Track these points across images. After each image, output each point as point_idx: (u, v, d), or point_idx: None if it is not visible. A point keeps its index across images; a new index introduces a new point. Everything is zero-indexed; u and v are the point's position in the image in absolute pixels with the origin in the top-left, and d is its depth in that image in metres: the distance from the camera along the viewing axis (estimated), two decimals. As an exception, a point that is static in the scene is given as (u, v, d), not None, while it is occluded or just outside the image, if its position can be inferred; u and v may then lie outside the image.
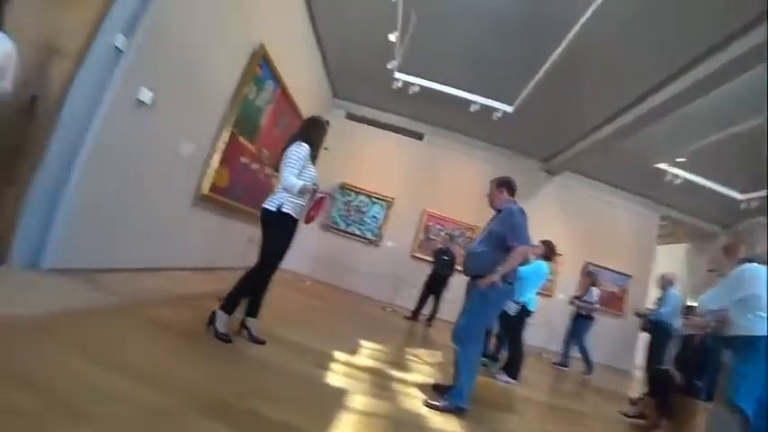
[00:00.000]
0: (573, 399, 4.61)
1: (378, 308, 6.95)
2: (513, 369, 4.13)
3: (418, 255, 8.27)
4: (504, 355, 4.51)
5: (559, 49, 5.12)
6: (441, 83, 6.96)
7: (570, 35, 4.83)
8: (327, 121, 3.07)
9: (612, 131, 6.41)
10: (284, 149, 2.76)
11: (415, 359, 3.92)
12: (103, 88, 2.82)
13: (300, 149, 2.70)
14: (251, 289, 2.71)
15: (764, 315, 1.67)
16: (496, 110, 6.96)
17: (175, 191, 4.05)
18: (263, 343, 2.73)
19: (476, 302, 2.79)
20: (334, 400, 2.21)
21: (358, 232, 8.41)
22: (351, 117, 8.72)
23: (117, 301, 2.72)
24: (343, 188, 8.50)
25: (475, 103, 6.96)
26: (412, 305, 6.96)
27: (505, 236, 2.72)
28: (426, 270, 7.01)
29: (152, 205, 3.69)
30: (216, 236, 5.06)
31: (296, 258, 7.92)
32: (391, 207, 8.48)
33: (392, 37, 5.65)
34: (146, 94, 3.12)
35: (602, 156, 7.53)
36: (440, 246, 7.09)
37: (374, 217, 8.47)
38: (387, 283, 7.62)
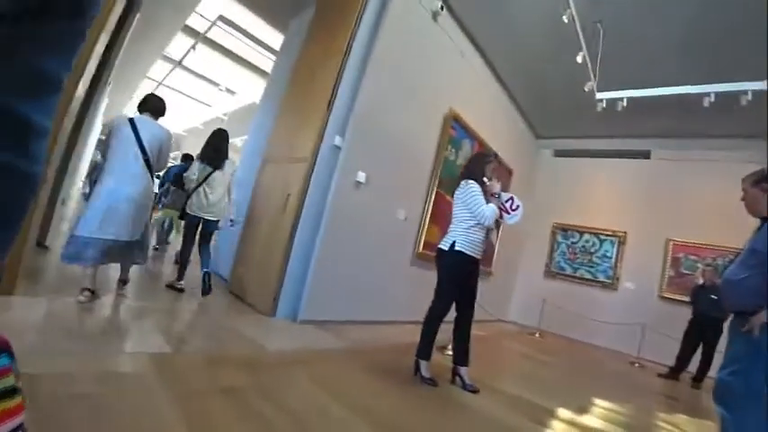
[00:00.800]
0: None
1: (621, 362, 5.89)
2: None
3: (668, 295, 6.74)
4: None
5: None
6: (653, 86, 5.90)
7: None
8: (495, 154, 3.21)
9: None
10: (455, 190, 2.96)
11: (665, 425, 3.16)
12: (330, 177, 3.72)
13: (472, 187, 2.84)
14: (429, 328, 2.80)
15: None
16: (744, 92, 5.32)
17: (396, 252, 4.72)
18: (476, 392, 2.76)
19: (743, 348, 2.08)
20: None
21: (588, 276, 7.53)
22: (559, 154, 8.27)
23: (347, 346, 3.33)
24: (566, 230, 7.93)
25: (707, 94, 5.53)
26: (666, 360, 5.62)
27: None
28: (684, 314, 5.62)
29: (378, 266, 4.42)
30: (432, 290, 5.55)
31: (521, 309, 7.89)
32: (624, 242, 7.33)
33: (579, 58, 5.28)
34: (361, 176, 3.93)
35: None
36: (700, 281, 5.61)
37: (605, 256, 7.47)
38: (630, 332, 6.40)
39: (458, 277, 2.81)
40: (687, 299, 5.89)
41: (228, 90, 10.78)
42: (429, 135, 4.97)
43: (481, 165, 3.02)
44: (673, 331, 5.96)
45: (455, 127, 5.30)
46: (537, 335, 6.62)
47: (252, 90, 10.01)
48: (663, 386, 4.90)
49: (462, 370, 2.84)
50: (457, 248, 2.75)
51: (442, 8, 4.71)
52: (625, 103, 5.97)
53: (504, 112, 6.88)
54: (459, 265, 2.79)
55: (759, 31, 4.48)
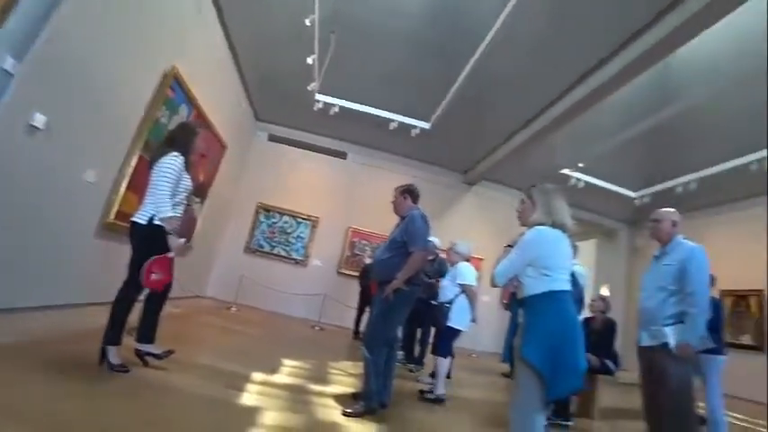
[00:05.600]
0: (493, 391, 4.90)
1: (306, 327, 6.92)
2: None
3: (345, 271, 8.42)
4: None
5: (468, 67, 5.65)
6: (360, 103, 7.28)
7: (477, 54, 5.38)
8: (201, 125, 3.05)
9: (522, 142, 7.11)
10: (154, 159, 2.66)
11: (337, 372, 3.99)
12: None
13: (175, 162, 2.61)
14: (120, 309, 2.46)
15: (548, 274, 1.88)
16: (414, 127, 7.40)
17: (79, 221, 3.82)
18: (172, 352, 2.68)
19: (381, 308, 2.92)
20: (244, 419, 2.22)
21: (284, 253, 8.37)
22: (273, 139, 8.75)
23: (13, 341, 2.53)
24: (269, 211, 8.45)
25: (393, 121, 7.34)
26: (341, 322, 7.02)
27: (406, 241, 2.90)
28: (355, 286, 7.14)
29: (53, 237, 3.44)
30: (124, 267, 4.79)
31: (219, 284, 7.82)
32: (317, 226, 8.55)
33: (310, 60, 5.84)
34: (39, 119, 2.95)
35: (514, 164, 8.20)
36: (367, 260, 7.27)
37: (300, 237, 8.48)
38: (314, 302, 7.61)
39: (155, 253, 2.52)
40: (356, 274, 7.51)
41: None
42: (141, 90, 4.26)
43: (190, 137, 2.82)
44: (346, 300, 7.49)
45: (175, 88, 4.76)
46: (234, 308, 6.84)
47: None
48: (338, 342, 6.07)
49: (150, 347, 2.65)
50: (156, 222, 2.50)
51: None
52: (338, 110, 7.00)
53: (230, 86, 6.69)
54: (160, 241, 2.55)
55: (441, 85, 6.22)
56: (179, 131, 2.87)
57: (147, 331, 2.66)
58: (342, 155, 8.99)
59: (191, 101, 5.19)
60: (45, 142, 3.07)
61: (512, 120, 7.00)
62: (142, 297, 2.64)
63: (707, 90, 5.71)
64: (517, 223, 2.27)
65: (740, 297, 7.48)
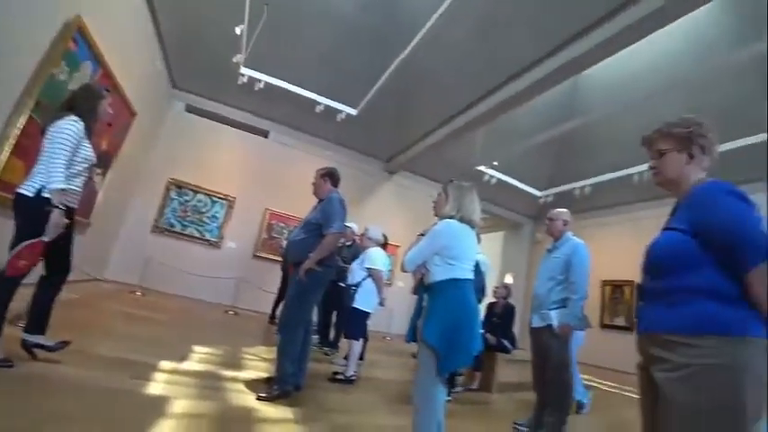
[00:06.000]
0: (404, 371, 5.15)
1: (218, 312, 6.65)
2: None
3: (261, 254, 8.19)
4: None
5: (401, 57, 5.77)
6: (288, 81, 7.05)
7: (409, 48, 5.51)
8: (107, 89, 2.76)
9: (443, 136, 7.49)
10: (48, 123, 2.34)
11: (251, 357, 3.94)
12: None
13: (74, 127, 2.31)
14: (2, 295, 2.16)
15: (453, 263, 2.08)
16: (341, 112, 7.38)
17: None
18: (68, 343, 2.44)
19: (295, 290, 2.95)
20: (152, 410, 2.12)
21: (197, 234, 7.89)
22: (191, 110, 8.11)
23: None
24: (181, 188, 7.86)
25: (320, 104, 7.24)
26: (257, 307, 6.84)
27: (321, 223, 2.95)
28: (272, 269, 7.00)
29: None
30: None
31: (122, 267, 7.13)
32: (233, 206, 8.17)
33: (238, 30, 5.51)
34: None
35: (434, 158, 8.65)
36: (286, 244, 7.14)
37: (215, 217, 8.05)
38: (228, 285, 7.32)
39: (42, 232, 2.19)
40: (273, 257, 7.38)
41: None
42: (35, 40, 3.71)
43: (94, 101, 2.53)
44: (262, 284, 7.31)
45: (78, 41, 4.21)
46: (138, 293, 6.32)
47: None
48: (252, 327, 5.94)
49: (40, 338, 2.37)
50: (45, 195, 2.19)
51: None
52: (263, 86, 6.70)
53: (146, 47, 6.04)
54: (46, 215, 2.19)
55: (371, 73, 6.21)
56: (81, 94, 2.54)
57: (37, 321, 2.38)
58: (264, 133, 8.63)
59: (97, 58, 4.62)
60: None
61: (435, 115, 7.32)
62: (33, 281, 2.37)
63: (608, 107, 6.52)
64: (429, 213, 2.45)
65: (617, 286, 8.87)
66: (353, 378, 3.72)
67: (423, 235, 2.25)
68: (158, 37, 6.23)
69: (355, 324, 4.07)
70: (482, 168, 8.88)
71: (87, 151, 2.44)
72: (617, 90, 6.52)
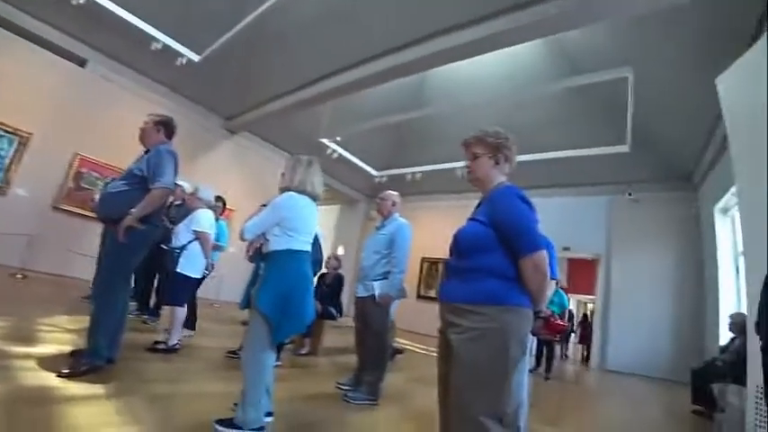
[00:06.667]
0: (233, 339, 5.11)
1: (4, 275, 5.42)
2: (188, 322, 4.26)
3: (65, 207, 6.86)
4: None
5: (259, 11, 5.37)
6: (121, 6, 5.90)
7: (268, 3, 5.18)
8: None
9: (290, 104, 7.36)
10: None
11: (51, 329, 3.42)
12: None
13: None
14: None
15: (292, 235, 2.19)
16: (182, 55, 6.58)
17: None
18: None
19: (112, 250, 2.68)
20: None
21: (-30, 174, 6.14)
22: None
23: None
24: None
25: (158, 40, 6.31)
26: (58, 270, 5.80)
27: (146, 176, 2.65)
28: (77, 225, 5.97)
29: None
30: None
31: None
32: (26, 144, 6.56)
33: None
34: None
35: (280, 123, 8.47)
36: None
37: (-1, 156, 6.37)
38: (18, 242, 5.93)
39: None
40: (86, 213, 6.31)
41: None
42: None
43: None
44: (66, 243, 6.21)
45: None
46: None
47: None
48: (49, 294, 5.03)
49: None
50: None
51: None
52: (84, 2, 5.43)
53: None
54: None
55: (226, 18, 5.57)
56: None
57: None
58: (80, 61, 7.06)
59: None
60: None
61: (285, 80, 7.15)
62: None
63: (448, 105, 7.38)
64: (273, 180, 2.50)
65: (433, 263, 10.77)
66: (177, 347, 3.57)
67: (265, 206, 2.28)
68: None
69: (179, 290, 3.80)
70: (325, 141, 9.10)
71: None
72: (456, 92, 7.46)
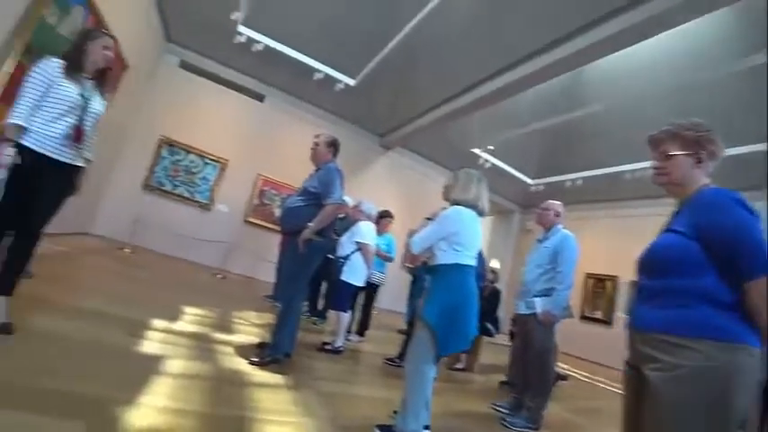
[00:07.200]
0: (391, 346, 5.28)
1: (207, 274, 6.65)
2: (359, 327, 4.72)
3: (252, 220, 8.14)
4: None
5: (405, 31, 5.60)
6: (287, 45, 6.82)
7: (416, 20, 5.35)
8: (110, 35, 2.38)
9: (441, 116, 7.37)
10: None
11: (242, 322, 3.98)
12: None
13: (44, 64, 2.09)
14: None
15: (459, 249, 2.12)
16: (339, 81, 7.22)
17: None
18: (8, 332, 1.98)
19: (293, 259, 2.95)
20: (148, 367, 2.16)
21: (187, 194, 7.76)
22: (186, 67, 7.82)
23: None
24: (173, 146, 7.68)
25: (319, 71, 7.06)
26: (246, 272, 6.85)
27: (319, 193, 2.92)
28: (261, 237, 6.97)
29: None
30: None
31: (110, 222, 7.01)
32: (225, 169, 8.03)
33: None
34: None
35: (431, 136, 8.58)
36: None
37: (206, 178, 7.92)
38: (219, 249, 7.28)
39: (15, 180, 2.00)
40: (268, 225, 7.38)
41: None
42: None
43: (82, 40, 2.24)
44: (252, 249, 7.31)
45: (68, -16, 4.01)
46: (128, 250, 6.26)
47: None
48: (241, 292, 5.97)
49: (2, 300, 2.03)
50: (24, 143, 2.01)
51: None
52: (261, 48, 6.47)
53: (139, -4, 5.76)
54: (21, 164, 2.01)
55: (374, 43, 6.01)
56: (74, 36, 2.34)
57: (5, 280, 2.09)
58: (259, 97, 8.41)
59: (88, 2, 4.42)
60: None
61: (435, 93, 7.19)
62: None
63: (607, 102, 6.49)
64: (427, 193, 2.47)
65: (599, 280, 8.99)
66: (341, 349, 3.79)
67: (430, 219, 2.28)
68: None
69: (342, 296, 4.08)
70: (477, 151, 8.85)
71: (66, 91, 2.12)
72: (616, 84, 6.47)
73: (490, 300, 4.95)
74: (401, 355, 3.87)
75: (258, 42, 6.58)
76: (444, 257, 2.14)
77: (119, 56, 5.52)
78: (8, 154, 1.99)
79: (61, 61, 2.15)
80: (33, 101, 2.05)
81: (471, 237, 2.18)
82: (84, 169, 2.32)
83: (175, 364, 2.30)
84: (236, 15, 5.90)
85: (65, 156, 2.14)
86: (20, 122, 2.01)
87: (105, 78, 2.41)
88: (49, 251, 2.52)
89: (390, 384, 3.18)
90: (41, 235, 2.18)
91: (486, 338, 4.79)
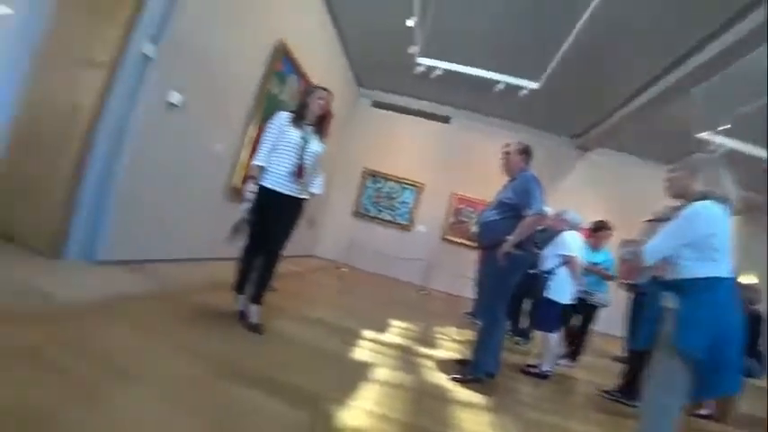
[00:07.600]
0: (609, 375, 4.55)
1: (411, 291, 7.09)
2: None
3: (450, 237, 8.35)
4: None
5: (581, 21, 4.95)
6: (463, 64, 6.88)
7: (591, 7, 4.67)
8: (323, 89, 2.88)
9: (644, 102, 6.12)
10: None
11: (444, 337, 4.03)
12: (136, 92, 3.06)
13: (276, 117, 2.68)
14: (240, 263, 2.73)
15: (715, 257, 1.61)
16: (522, 88, 6.82)
17: (210, 185, 4.33)
18: (258, 332, 2.51)
19: (493, 275, 2.81)
20: (358, 372, 2.38)
21: (389, 218, 8.55)
22: (377, 105, 8.80)
23: (161, 288, 3.02)
24: (374, 176, 8.65)
25: (499, 82, 6.85)
26: (445, 288, 7.00)
27: (516, 204, 2.73)
28: (460, 252, 7.05)
29: (190, 200, 3.97)
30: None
31: (329, 245, 8.33)
32: (422, 192, 8.55)
33: (410, 22, 5.65)
34: (175, 96, 3.34)
35: (636, 129, 7.20)
36: (474, 229, 7.11)
37: (404, 202, 8.57)
38: (419, 266, 7.73)
39: (257, 210, 2.59)
40: (465, 242, 7.46)
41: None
42: (254, 65, 4.57)
43: (304, 96, 2.83)
44: (450, 266, 7.47)
45: (284, 61, 5.02)
46: (344, 269, 7.27)
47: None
48: (443, 309, 6.15)
49: (253, 308, 2.60)
50: (264, 185, 2.59)
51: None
52: (440, 73, 6.73)
53: (334, 56, 6.87)
54: (264, 199, 2.58)
55: (552, 40, 5.59)
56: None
57: (253, 290, 2.69)
58: (445, 119, 8.73)
59: (298, 71, 5.43)
60: (180, 116, 3.48)
61: (635, 76, 5.98)
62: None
63: None
64: (639, 196, 1.98)
65: None
66: (548, 374, 3.41)
67: (654, 221, 1.86)
68: (342, 44, 6.95)
69: (547, 315, 3.62)
70: (705, 135, 6.84)
71: (291, 136, 2.61)
72: None
73: (750, 327, 3.60)
74: (622, 389, 3.26)
75: (436, 68, 6.85)
76: (695, 269, 1.67)
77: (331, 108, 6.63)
78: (251, 190, 2.60)
79: (289, 113, 2.72)
80: (269, 145, 2.63)
81: (725, 239, 1.68)
82: (307, 201, 2.81)
83: (381, 372, 2.46)
84: (413, 49, 6.31)
85: (291, 189, 2.64)
86: (261, 163, 2.61)
87: (323, 124, 2.91)
88: (286, 271, 3.12)
89: (604, 421, 2.73)
90: (281, 255, 2.73)
91: (746, 380, 3.50)
